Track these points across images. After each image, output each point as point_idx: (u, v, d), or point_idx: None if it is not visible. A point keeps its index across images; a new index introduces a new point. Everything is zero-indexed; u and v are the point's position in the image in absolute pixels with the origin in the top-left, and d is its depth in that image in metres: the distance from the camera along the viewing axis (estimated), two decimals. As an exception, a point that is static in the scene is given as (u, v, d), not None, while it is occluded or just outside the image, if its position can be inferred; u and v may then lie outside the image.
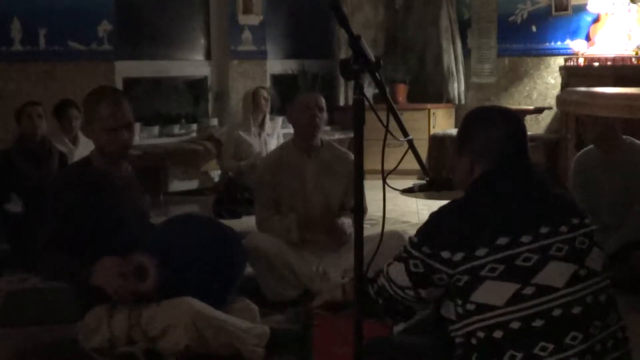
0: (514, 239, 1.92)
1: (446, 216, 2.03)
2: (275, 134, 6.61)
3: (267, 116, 6.59)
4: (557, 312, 1.89)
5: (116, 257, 2.77)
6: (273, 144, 6.35)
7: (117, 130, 2.91)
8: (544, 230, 1.94)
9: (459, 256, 1.94)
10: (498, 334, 1.89)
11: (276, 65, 8.02)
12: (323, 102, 4.01)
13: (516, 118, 2.16)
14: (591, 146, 4.29)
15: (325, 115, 4.04)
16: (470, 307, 1.92)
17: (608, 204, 4.10)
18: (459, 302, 1.94)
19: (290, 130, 4.15)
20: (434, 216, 2.05)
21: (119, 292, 2.76)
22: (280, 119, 7.38)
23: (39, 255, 2.87)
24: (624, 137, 4.18)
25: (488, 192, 2.04)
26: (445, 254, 1.96)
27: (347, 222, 3.86)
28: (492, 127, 2.10)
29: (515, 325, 1.88)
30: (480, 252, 1.92)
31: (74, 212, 2.84)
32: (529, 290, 1.89)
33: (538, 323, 1.88)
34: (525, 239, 1.93)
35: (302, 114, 3.95)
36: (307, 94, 4.13)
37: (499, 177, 2.05)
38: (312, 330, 2.61)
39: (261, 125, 6.49)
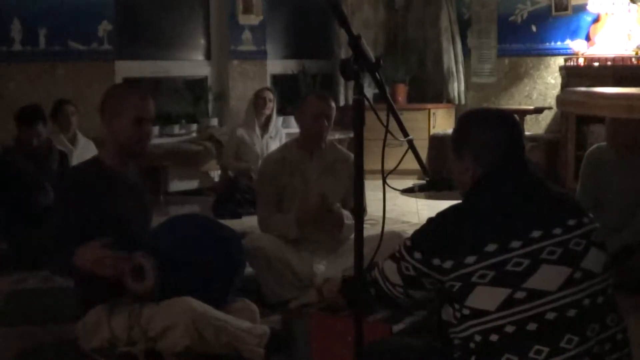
0: (503, 245, 1.92)
1: (439, 223, 2.04)
2: (279, 136, 6.59)
3: (273, 118, 6.55)
4: (550, 316, 1.88)
5: (95, 242, 2.73)
6: (275, 146, 6.33)
7: (144, 121, 2.93)
8: (535, 234, 1.93)
9: (448, 264, 1.95)
10: (494, 337, 1.89)
11: (276, 65, 8.02)
12: (333, 109, 3.98)
13: (511, 119, 2.16)
14: (603, 143, 4.26)
15: (333, 120, 4.04)
16: (465, 311, 1.93)
17: (616, 205, 4.08)
18: (456, 306, 1.95)
19: (292, 130, 4.13)
20: (428, 222, 2.07)
21: (108, 272, 2.72)
22: (280, 119, 7.38)
23: (48, 253, 2.86)
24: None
25: (482, 199, 2.04)
26: (435, 261, 1.98)
27: (346, 213, 3.86)
28: (487, 129, 2.09)
29: (509, 329, 1.88)
30: (469, 259, 1.92)
31: (83, 210, 2.84)
32: (520, 295, 1.89)
33: (532, 327, 1.87)
34: (515, 244, 1.92)
35: (310, 121, 3.93)
36: (318, 97, 4.02)
37: (494, 181, 2.04)
38: (298, 331, 2.62)
39: (264, 127, 6.47)
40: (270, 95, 6.48)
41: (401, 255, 2.07)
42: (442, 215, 2.06)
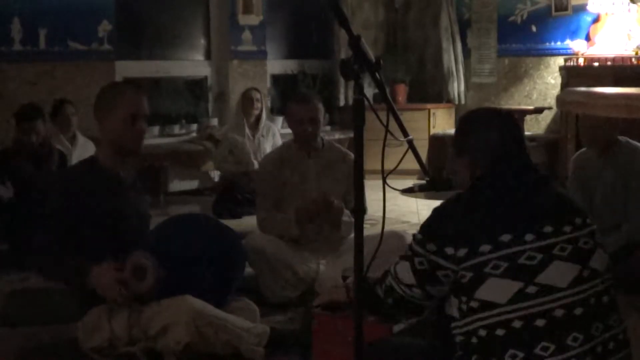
0: (517, 237, 1.92)
1: (449, 211, 2.03)
2: (271, 135, 6.57)
3: (263, 117, 6.54)
4: (559, 313, 1.88)
5: (112, 263, 2.76)
6: (268, 145, 6.32)
7: (138, 118, 2.92)
8: (547, 229, 1.94)
9: (462, 252, 1.93)
10: (500, 332, 1.89)
11: (276, 65, 8.02)
12: (316, 110, 3.92)
13: (512, 119, 2.17)
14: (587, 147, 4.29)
15: (322, 118, 4.01)
16: (474, 304, 1.92)
17: (605, 204, 4.09)
18: (464, 299, 1.94)
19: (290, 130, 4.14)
20: (436, 211, 2.05)
21: (118, 300, 2.75)
22: (280, 119, 7.37)
23: (40, 255, 2.87)
24: (620, 137, 4.18)
25: (491, 188, 2.03)
26: (449, 250, 1.96)
27: (345, 212, 3.86)
28: (489, 128, 2.10)
29: (517, 324, 1.88)
30: (484, 248, 1.91)
31: (78, 211, 2.84)
32: (531, 290, 1.88)
33: (540, 323, 1.87)
34: (528, 237, 1.92)
35: (294, 126, 3.95)
36: (299, 101, 3.98)
37: (501, 175, 2.05)
38: (312, 330, 2.61)
39: (254, 127, 6.45)
40: (257, 95, 6.46)
41: (413, 252, 2.04)
42: (450, 203, 2.04)
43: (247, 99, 6.44)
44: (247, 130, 6.38)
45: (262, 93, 6.65)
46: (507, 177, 2.04)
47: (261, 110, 6.48)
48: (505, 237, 1.92)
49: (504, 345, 1.88)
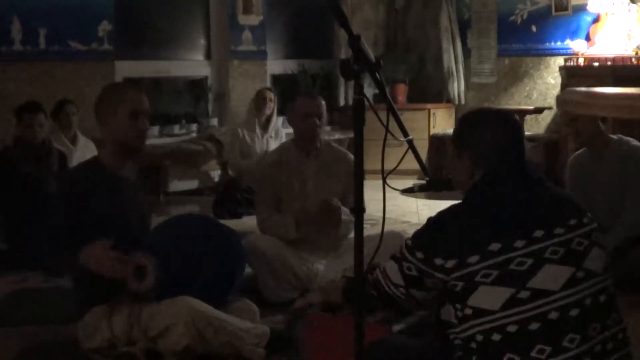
0: (507, 245, 1.92)
1: (440, 223, 2.04)
2: (279, 135, 6.61)
3: (274, 118, 6.58)
4: (553, 315, 1.88)
5: (102, 242, 2.74)
6: (275, 146, 6.34)
7: (140, 115, 2.93)
8: (538, 233, 1.94)
9: (451, 263, 1.95)
10: (496, 337, 1.89)
11: (276, 65, 8.03)
12: (323, 107, 3.97)
13: (512, 119, 2.16)
14: (581, 150, 4.30)
15: (325, 118, 4.03)
16: (468, 311, 1.92)
17: (603, 203, 4.09)
18: (458, 306, 1.95)
19: (292, 130, 4.14)
20: (429, 222, 2.06)
21: (112, 271, 2.72)
22: (280, 119, 7.38)
23: (44, 253, 2.87)
24: (613, 135, 4.18)
25: (484, 198, 2.04)
26: (438, 261, 1.97)
27: (345, 210, 3.85)
28: (488, 129, 2.10)
29: (512, 328, 1.88)
30: (472, 259, 1.92)
31: (80, 211, 2.84)
32: (523, 295, 1.89)
33: (534, 326, 1.88)
34: (518, 243, 1.92)
35: (301, 121, 3.95)
36: (306, 97, 4.05)
37: (496, 181, 2.05)
38: (298, 330, 2.62)
39: (265, 127, 6.49)
40: (270, 95, 6.52)
41: (403, 256, 2.07)
42: (443, 214, 2.05)
43: (260, 99, 6.50)
44: (258, 130, 6.43)
45: (275, 94, 6.68)
46: (502, 183, 2.04)
47: (273, 111, 6.53)
48: (495, 246, 1.92)
49: (500, 349, 1.88)
